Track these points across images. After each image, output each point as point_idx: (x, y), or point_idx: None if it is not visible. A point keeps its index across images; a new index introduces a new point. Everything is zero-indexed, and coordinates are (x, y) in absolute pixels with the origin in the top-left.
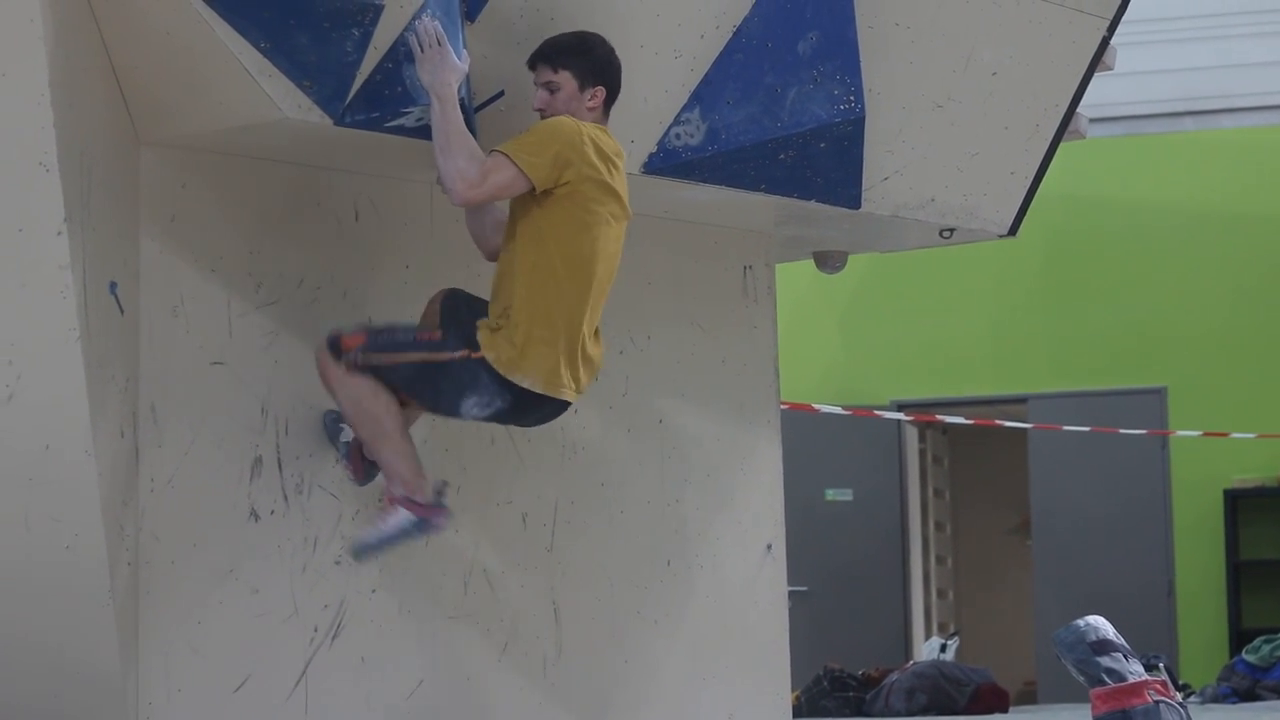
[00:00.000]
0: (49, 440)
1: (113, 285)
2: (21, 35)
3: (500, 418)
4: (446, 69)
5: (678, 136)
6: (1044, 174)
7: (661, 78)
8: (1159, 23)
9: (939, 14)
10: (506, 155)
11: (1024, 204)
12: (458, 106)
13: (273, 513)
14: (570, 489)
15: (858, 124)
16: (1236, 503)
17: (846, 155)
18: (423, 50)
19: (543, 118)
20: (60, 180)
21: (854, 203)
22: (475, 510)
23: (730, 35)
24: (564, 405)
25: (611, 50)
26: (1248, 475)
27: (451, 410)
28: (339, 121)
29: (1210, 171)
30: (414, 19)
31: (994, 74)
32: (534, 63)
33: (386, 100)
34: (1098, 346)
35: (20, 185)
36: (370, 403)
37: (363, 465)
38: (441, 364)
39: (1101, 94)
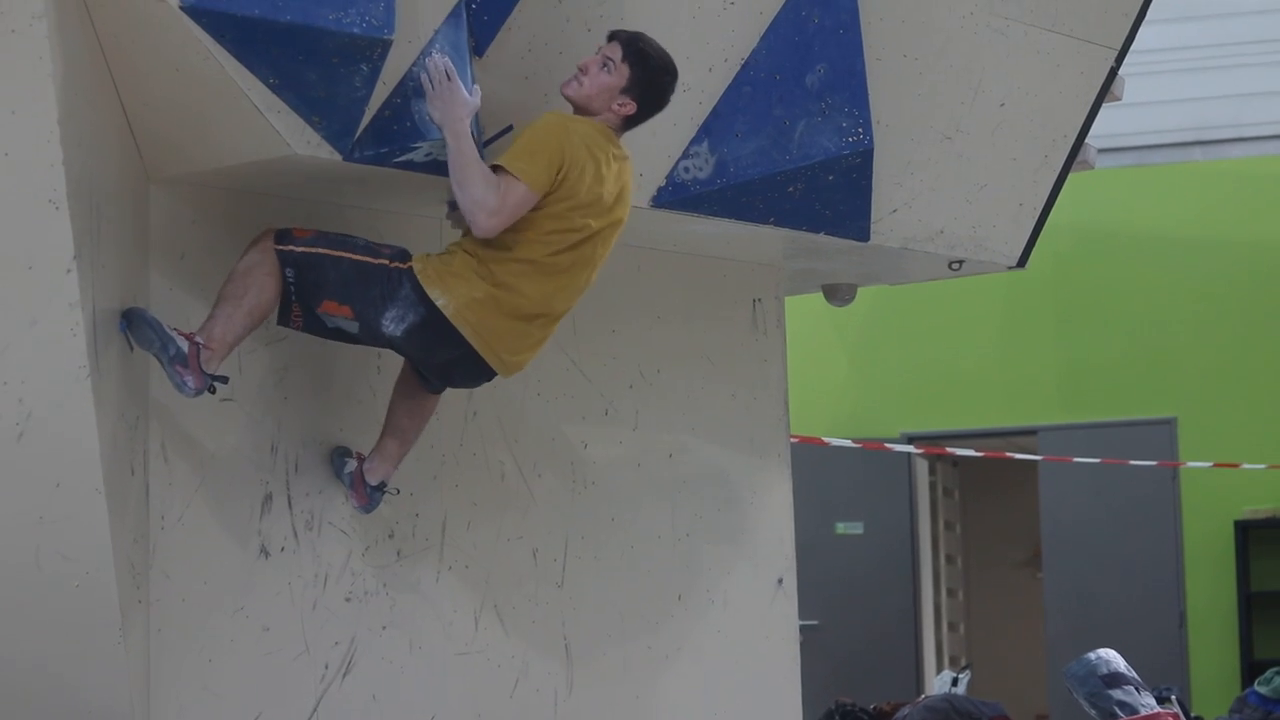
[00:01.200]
0: (59, 478)
1: (123, 322)
2: (31, 72)
3: (415, 346)
4: (457, 104)
5: (686, 170)
6: (1053, 205)
7: (670, 111)
8: (1167, 53)
9: (947, 46)
10: (509, 172)
11: (1033, 235)
12: (470, 140)
13: (283, 550)
14: (581, 524)
15: (866, 156)
16: (1247, 534)
17: (855, 188)
18: (433, 87)
19: (577, 80)
20: (70, 218)
21: (863, 235)
22: (486, 545)
23: (738, 68)
24: (479, 362)
25: (670, 89)
26: (1259, 506)
27: (375, 321)
28: (348, 157)
29: (1219, 201)
30: (423, 55)
31: (1002, 105)
32: (613, 37)
33: (395, 135)
34: (1107, 378)
35: (30, 223)
36: (257, 277)
37: (366, 492)
38: (373, 268)
39: (1110, 124)
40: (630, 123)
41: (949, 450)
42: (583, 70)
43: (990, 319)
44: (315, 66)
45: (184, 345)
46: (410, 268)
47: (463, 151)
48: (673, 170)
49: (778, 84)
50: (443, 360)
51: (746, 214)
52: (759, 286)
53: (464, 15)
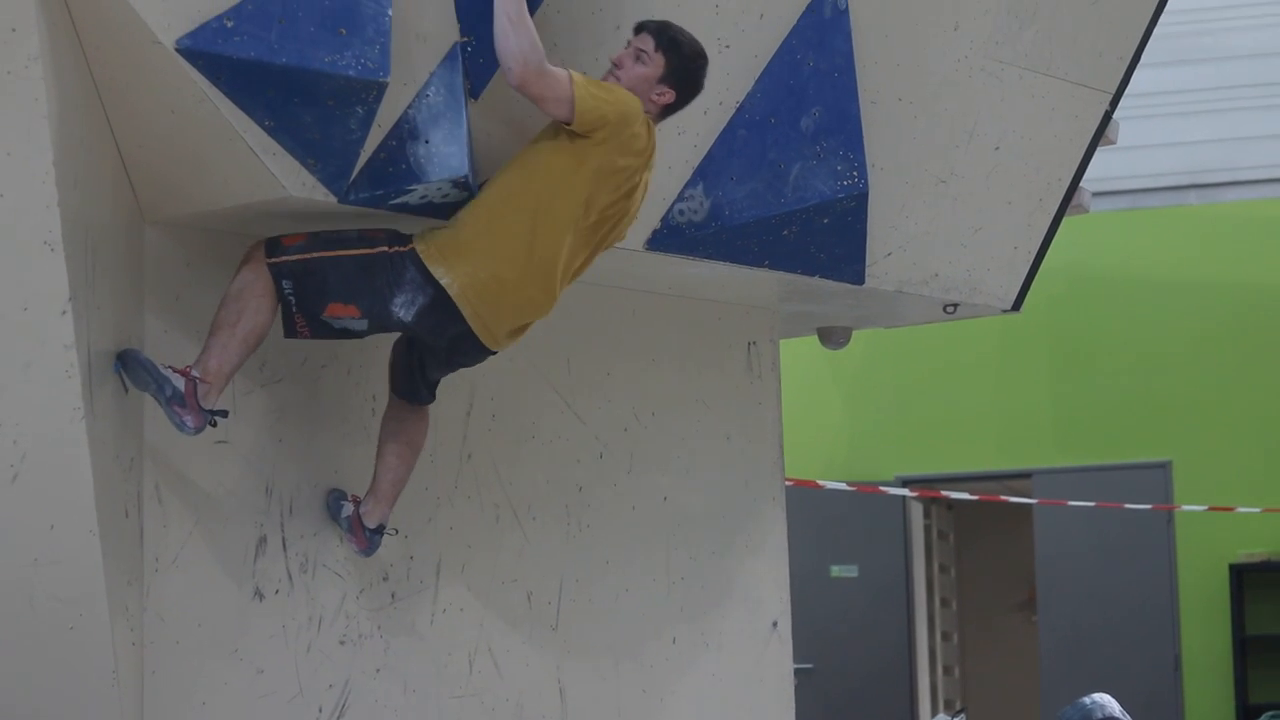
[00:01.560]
0: (53, 520)
1: (117, 364)
2: (26, 114)
3: (427, 326)
4: None
5: (681, 213)
6: (1047, 249)
7: (665, 154)
8: (1161, 96)
9: (941, 89)
10: (570, 77)
11: (1027, 279)
12: None
13: (277, 592)
14: (575, 566)
15: (861, 199)
16: (1242, 577)
17: (850, 231)
18: None
19: (612, 75)
20: (65, 259)
21: (858, 278)
22: (480, 588)
23: (733, 111)
24: (473, 341)
25: (704, 73)
26: (1253, 550)
27: (384, 312)
28: (343, 199)
29: (1214, 245)
30: (424, 89)
31: (997, 149)
32: (641, 29)
33: (390, 178)
34: (1102, 421)
35: (25, 264)
36: (249, 300)
37: (365, 535)
38: (373, 259)
39: (1104, 168)
40: (668, 111)
41: (944, 493)
42: (617, 64)
43: (985, 362)
44: (311, 109)
45: (180, 384)
46: (412, 249)
47: None
48: (668, 213)
49: (773, 127)
50: (452, 335)
51: (741, 257)
52: (754, 329)
53: (459, 58)
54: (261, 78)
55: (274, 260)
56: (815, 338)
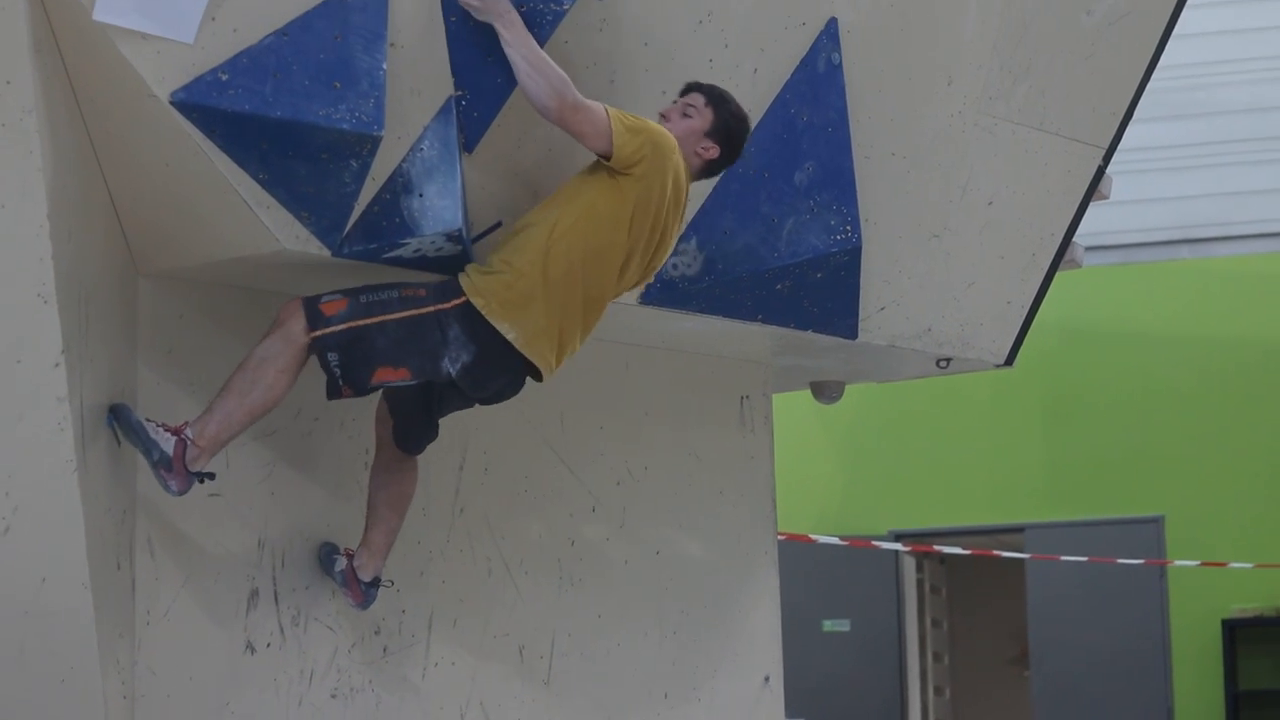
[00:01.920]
0: (45, 573)
1: (110, 418)
2: (21, 167)
3: (470, 380)
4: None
5: (675, 267)
6: (1040, 303)
7: None
8: (1154, 151)
9: (935, 144)
10: (605, 110)
11: (1020, 333)
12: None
13: (269, 645)
14: (568, 621)
15: (854, 254)
16: (1235, 633)
17: (843, 285)
18: (478, 1)
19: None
20: (58, 312)
21: (851, 333)
22: (472, 642)
23: None
24: (522, 380)
25: (746, 139)
26: (1246, 605)
27: (435, 369)
28: (337, 253)
29: (1207, 300)
30: (418, 143)
31: (990, 203)
32: (690, 89)
33: (384, 231)
34: (1095, 476)
35: (18, 317)
36: (268, 373)
37: (360, 588)
38: (420, 320)
39: (1097, 223)
40: (710, 169)
41: (936, 548)
42: (664, 117)
43: (978, 417)
44: (305, 162)
45: (169, 448)
46: (457, 306)
47: (530, 39)
48: (661, 267)
49: (766, 181)
50: (500, 385)
51: (734, 311)
52: (747, 383)
53: (453, 111)
54: (256, 131)
55: (319, 334)
56: (808, 392)
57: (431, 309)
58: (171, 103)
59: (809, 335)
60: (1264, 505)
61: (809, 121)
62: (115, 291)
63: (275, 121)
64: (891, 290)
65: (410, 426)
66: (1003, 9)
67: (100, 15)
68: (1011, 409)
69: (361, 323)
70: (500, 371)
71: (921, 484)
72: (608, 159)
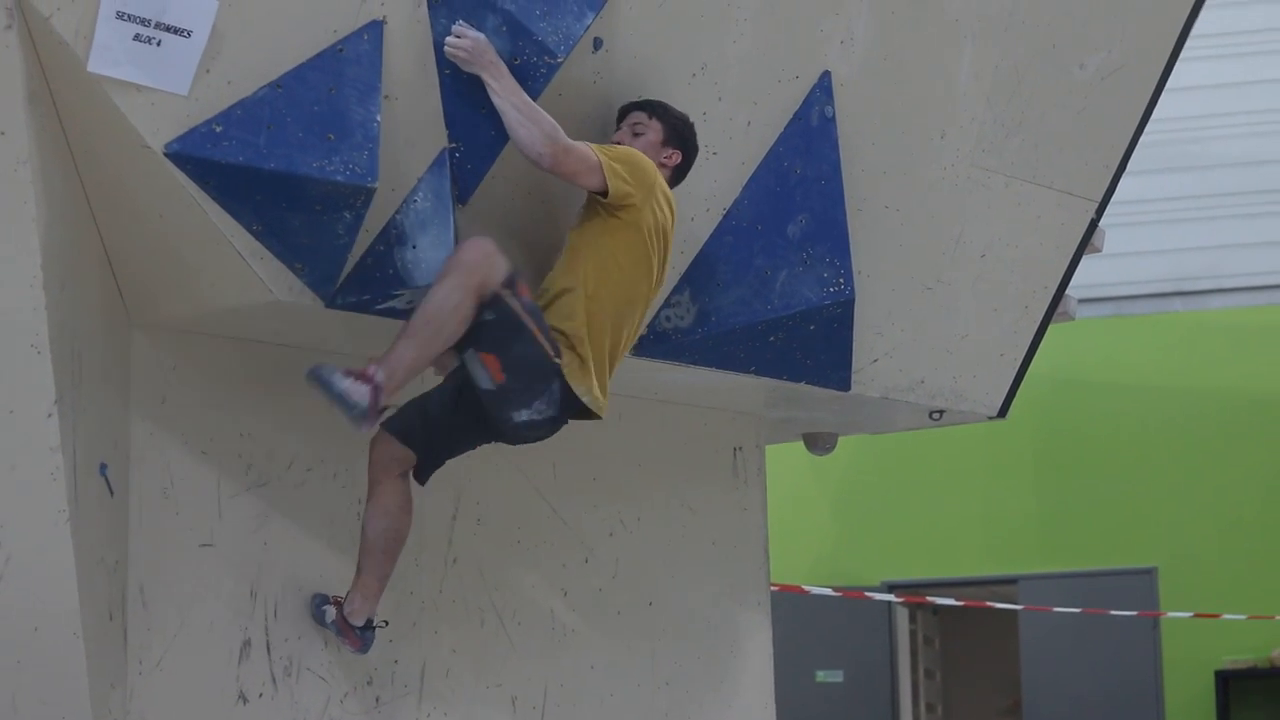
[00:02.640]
0: (37, 623)
1: (103, 467)
2: (14, 218)
3: (531, 430)
4: (484, 50)
5: (668, 319)
6: (1033, 355)
7: None
8: (1147, 204)
9: (928, 196)
10: (592, 149)
11: (1013, 385)
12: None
13: (261, 695)
14: (560, 672)
15: (847, 306)
16: (1228, 684)
17: (836, 337)
18: (466, 53)
19: None
20: (51, 362)
21: (844, 385)
22: (465, 693)
23: (720, 217)
24: (562, 423)
25: (695, 136)
26: (1239, 656)
27: (516, 402)
28: (330, 304)
29: (1200, 352)
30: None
31: (983, 256)
32: (627, 110)
33: (378, 282)
34: (1088, 527)
35: (11, 367)
36: (454, 321)
37: (356, 634)
38: (546, 362)
39: (1090, 275)
40: (678, 174)
41: (929, 599)
42: (617, 144)
43: (971, 468)
44: (299, 213)
45: (365, 402)
46: (559, 366)
47: (516, 87)
48: (654, 319)
49: (759, 234)
50: (541, 436)
51: (728, 363)
52: (740, 435)
53: (447, 163)
54: (250, 182)
55: (504, 291)
56: (801, 443)
57: (556, 362)
58: (166, 154)
59: (802, 387)
60: (1257, 557)
61: (802, 174)
62: (108, 342)
63: (269, 173)
64: (885, 342)
65: (439, 459)
66: (996, 62)
67: (95, 67)
68: (1005, 461)
69: (526, 320)
70: (561, 422)
71: (915, 535)
72: (603, 195)
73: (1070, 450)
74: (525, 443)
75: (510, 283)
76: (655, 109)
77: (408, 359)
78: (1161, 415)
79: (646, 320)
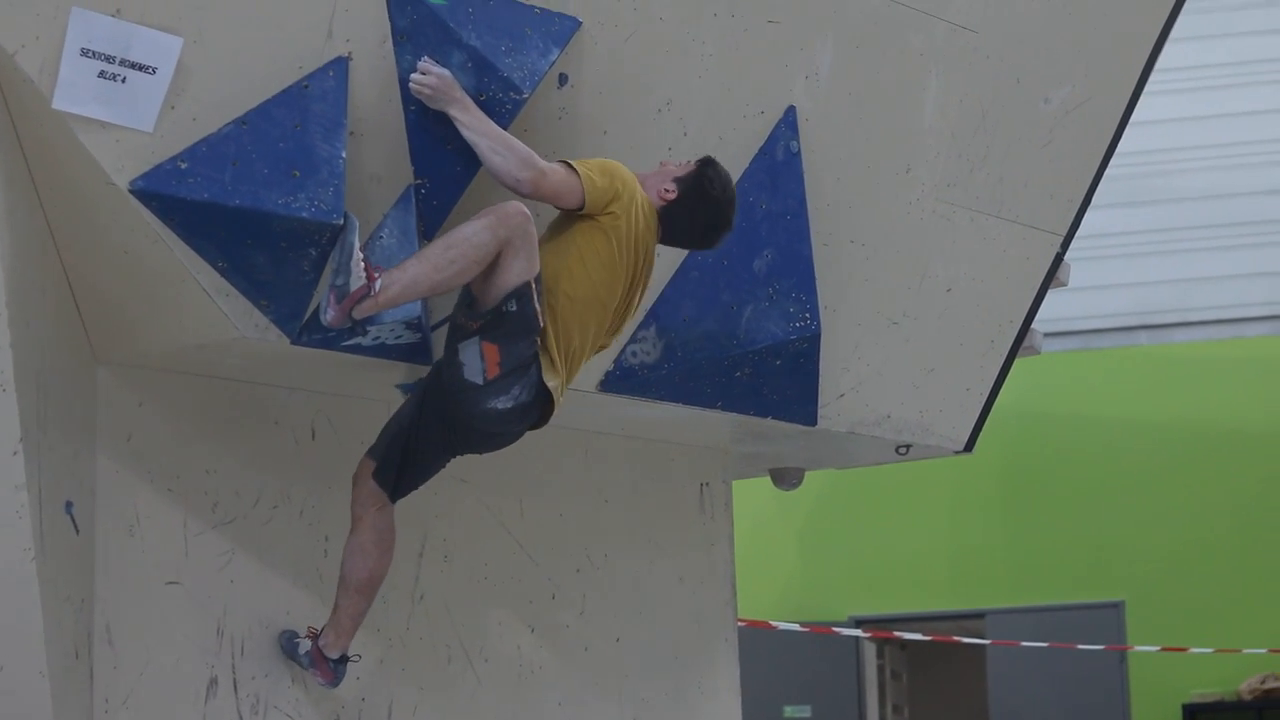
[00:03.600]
0: (2, 661)
1: (68, 505)
2: None
3: (506, 419)
4: (448, 84)
5: (634, 354)
6: (999, 389)
7: None
8: (1112, 238)
9: (894, 231)
10: (567, 163)
11: (979, 420)
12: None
13: None
14: (528, 709)
15: (813, 341)
16: (1196, 717)
17: (802, 372)
18: (431, 90)
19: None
20: (16, 400)
21: (810, 419)
22: None
23: (686, 253)
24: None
25: (709, 196)
26: (1206, 690)
27: (502, 390)
28: (296, 340)
29: (1165, 386)
30: (377, 231)
31: (949, 290)
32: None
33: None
34: (1055, 561)
35: None
36: (473, 255)
37: (329, 666)
38: (533, 353)
39: (1056, 309)
40: (668, 216)
41: (897, 634)
42: (663, 165)
43: (938, 503)
44: (264, 250)
45: (354, 284)
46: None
47: (484, 118)
48: (620, 355)
49: (725, 269)
50: (518, 431)
51: (694, 398)
52: (706, 470)
53: (413, 199)
54: (215, 219)
55: (533, 287)
56: (768, 478)
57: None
58: (131, 191)
59: (769, 422)
60: (1223, 589)
61: (768, 209)
62: (74, 379)
63: (234, 210)
64: (851, 377)
65: (418, 476)
66: (961, 97)
67: (60, 104)
68: (971, 495)
69: (538, 323)
70: (530, 416)
71: (882, 569)
72: (583, 210)
73: (1037, 484)
74: (491, 447)
75: (538, 279)
76: (703, 160)
77: (411, 273)
78: (1127, 449)
79: (614, 352)
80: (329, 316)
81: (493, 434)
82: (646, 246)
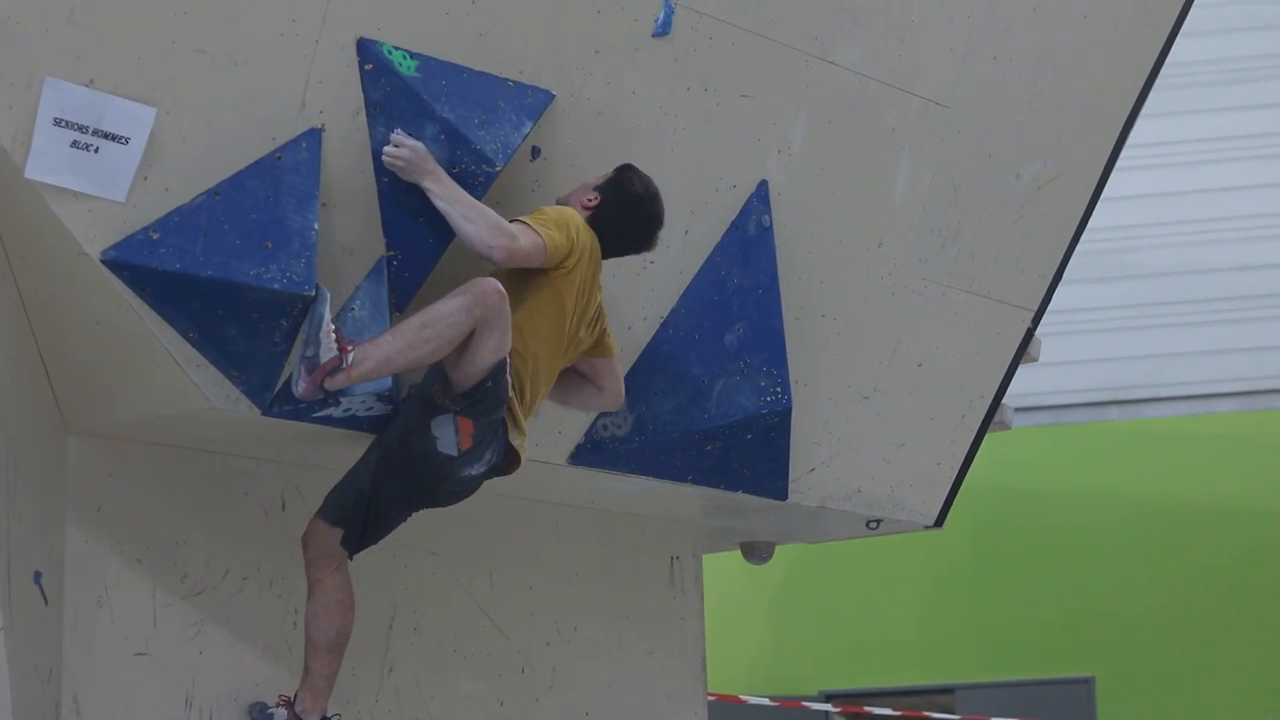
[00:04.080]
0: None
1: (37, 575)
2: None
3: (477, 482)
4: (423, 158)
5: (605, 428)
6: (970, 464)
7: None
8: (1083, 313)
9: (865, 305)
10: (529, 225)
11: (950, 495)
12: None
13: None
14: None
15: (784, 415)
16: None
17: (773, 446)
18: (404, 162)
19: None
20: None
21: (781, 494)
22: None
23: (658, 326)
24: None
25: (631, 193)
26: None
27: (476, 458)
28: (266, 411)
29: (1137, 461)
30: (349, 302)
31: (919, 365)
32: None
33: None
34: (1025, 636)
35: None
36: (448, 334)
37: None
38: (501, 425)
39: (1027, 384)
40: (597, 220)
41: (867, 709)
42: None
43: (908, 578)
44: (235, 321)
45: (324, 357)
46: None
47: (457, 187)
48: (591, 428)
49: (697, 342)
50: (480, 484)
51: (665, 472)
52: (677, 544)
53: (384, 271)
54: (186, 290)
55: (510, 361)
56: (738, 552)
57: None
58: (102, 261)
59: (739, 496)
60: (1193, 666)
61: (739, 283)
62: (43, 449)
63: (206, 280)
64: (821, 451)
65: (374, 532)
66: (932, 172)
67: (32, 173)
68: (942, 570)
69: (511, 397)
70: (496, 472)
71: (852, 644)
72: (543, 267)
73: (1007, 559)
74: (454, 501)
75: (511, 355)
76: (622, 166)
77: (386, 349)
78: (1098, 524)
79: (585, 424)
80: (300, 388)
81: (459, 493)
82: (595, 280)
